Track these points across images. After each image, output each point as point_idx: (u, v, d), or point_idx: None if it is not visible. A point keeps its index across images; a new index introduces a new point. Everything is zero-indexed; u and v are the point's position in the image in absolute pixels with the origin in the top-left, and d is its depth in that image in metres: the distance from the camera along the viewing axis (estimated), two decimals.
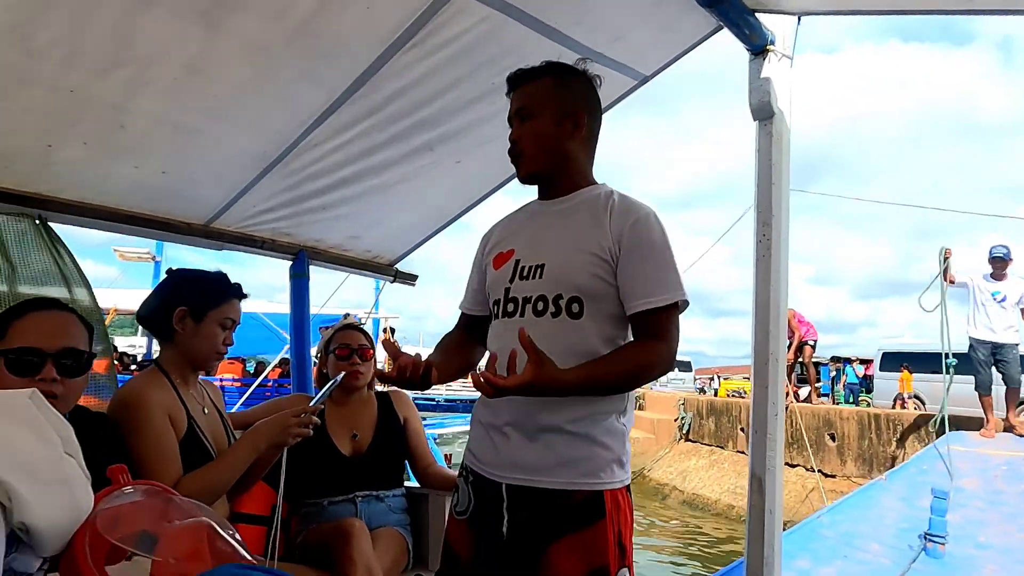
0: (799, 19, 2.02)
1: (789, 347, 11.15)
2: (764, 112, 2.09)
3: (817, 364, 13.41)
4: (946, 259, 5.88)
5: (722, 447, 12.49)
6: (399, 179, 2.53)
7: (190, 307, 1.65)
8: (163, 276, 1.83)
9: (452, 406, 15.98)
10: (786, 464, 9.57)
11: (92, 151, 2.03)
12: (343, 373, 2.01)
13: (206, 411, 1.70)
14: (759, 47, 2.06)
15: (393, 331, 12.83)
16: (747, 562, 2.04)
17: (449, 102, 2.17)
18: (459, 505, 1.46)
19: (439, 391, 17.85)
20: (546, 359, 1.21)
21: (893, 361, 12.55)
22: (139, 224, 2.44)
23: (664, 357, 1.33)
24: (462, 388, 17.88)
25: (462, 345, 1.57)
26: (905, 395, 11.96)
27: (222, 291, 1.72)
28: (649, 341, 1.34)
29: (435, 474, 2.26)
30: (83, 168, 2.12)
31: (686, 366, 25.53)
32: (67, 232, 2.31)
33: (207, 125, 2.05)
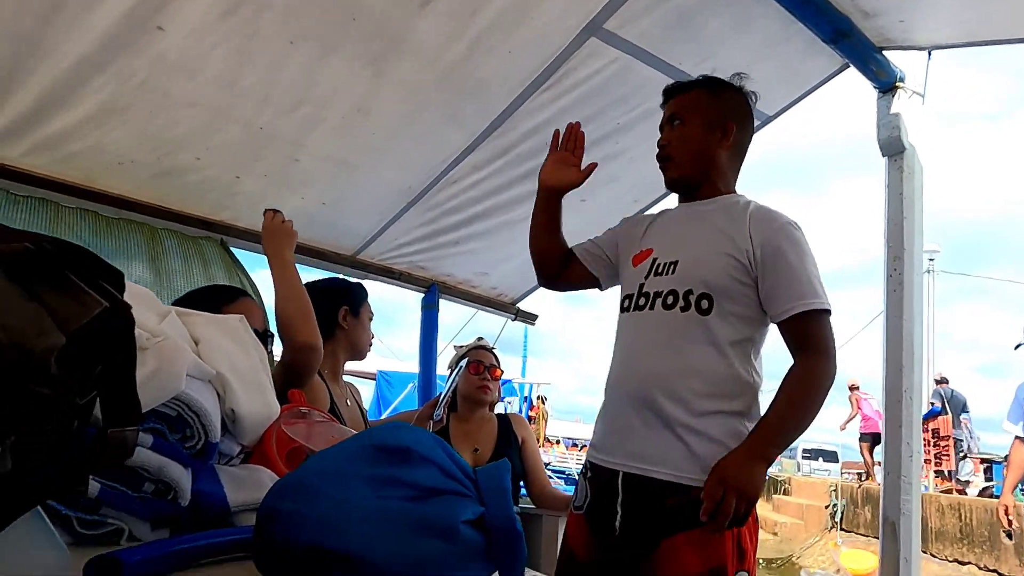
0: (929, 54, 2.02)
1: (847, 423, 11.13)
2: (894, 147, 2.08)
3: (990, 461, 12.02)
4: None
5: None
6: (527, 215, 2.69)
7: (349, 305, 1.89)
8: None
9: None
10: (956, 561, 8.56)
11: (270, 183, 2.37)
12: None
13: (348, 403, 1.89)
14: (888, 84, 2.07)
15: (544, 399, 13.29)
16: None
17: None
18: (577, 500, 1.50)
19: (562, 464, 17.27)
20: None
21: None
22: (298, 252, 2.76)
23: (829, 370, 1.35)
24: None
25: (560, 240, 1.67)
26: None
27: (362, 291, 1.98)
28: (809, 358, 1.35)
29: (550, 494, 2.30)
30: (260, 198, 2.46)
31: (832, 457, 23.56)
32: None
33: (364, 161, 2.34)
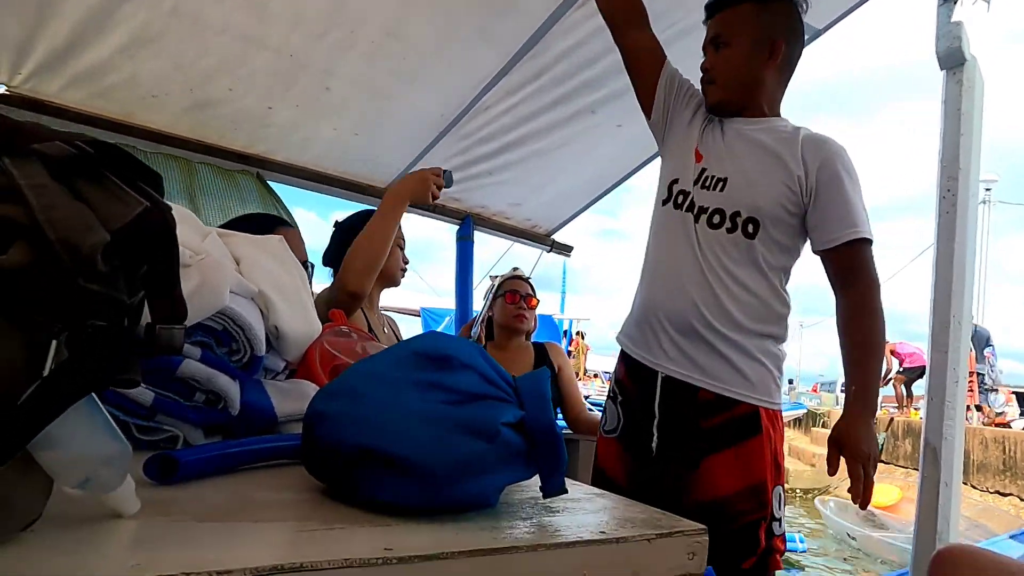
0: None
1: (886, 379, 11.09)
2: (953, 59, 1.94)
3: None
4: None
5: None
6: (561, 143, 2.65)
7: None
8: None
9: None
10: (997, 493, 8.57)
11: (302, 113, 2.36)
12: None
13: (385, 331, 1.92)
14: None
15: (583, 335, 13.66)
16: (916, 537, 1.90)
17: (613, 62, 2.22)
18: (608, 424, 1.51)
19: (601, 396, 17.65)
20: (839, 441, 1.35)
21: None
22: (332, 184, 2.77)
23: (879, 300, 1.37)
24: None
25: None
26: None
27: None
28: (861, 289, 1.36)
29: (586, 420, 2.34)
30: (293, 130, 2.46)
31: None
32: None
33: (396, 88, 2.30)
